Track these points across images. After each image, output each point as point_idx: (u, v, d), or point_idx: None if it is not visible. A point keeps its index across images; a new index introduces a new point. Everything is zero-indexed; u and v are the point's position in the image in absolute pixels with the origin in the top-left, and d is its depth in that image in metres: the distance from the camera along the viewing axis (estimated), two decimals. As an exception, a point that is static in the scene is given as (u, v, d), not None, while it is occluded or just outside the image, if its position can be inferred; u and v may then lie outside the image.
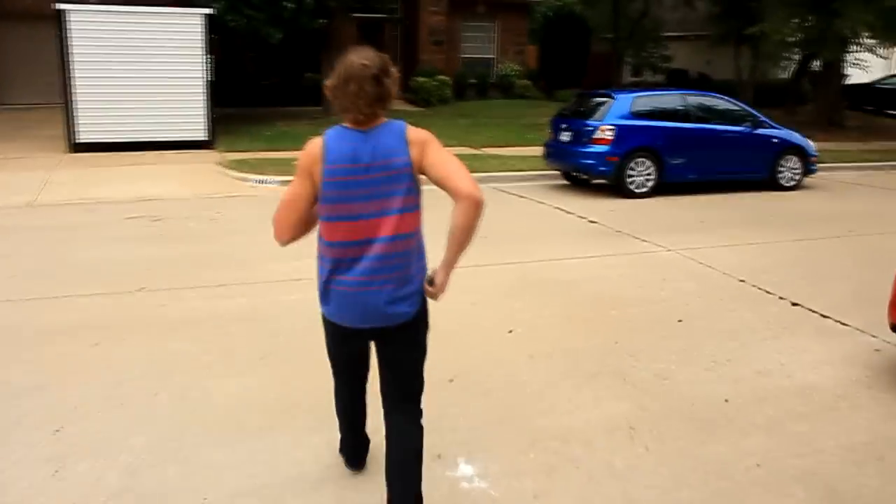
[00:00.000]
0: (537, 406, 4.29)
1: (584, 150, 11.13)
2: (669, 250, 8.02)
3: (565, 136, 11.75)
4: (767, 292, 6.61)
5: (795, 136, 12.41)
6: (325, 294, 2.87)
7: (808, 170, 12.45)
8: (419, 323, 2.94)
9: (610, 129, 10.92)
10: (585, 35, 26.12)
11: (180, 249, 7.81)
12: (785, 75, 26.35)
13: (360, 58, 2.69)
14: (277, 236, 2.90)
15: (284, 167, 12.24)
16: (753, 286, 6.80)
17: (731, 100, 12.41)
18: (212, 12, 14.16)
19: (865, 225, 9.67)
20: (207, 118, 14.46)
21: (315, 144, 2.78)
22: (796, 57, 24.08)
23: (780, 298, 6.45)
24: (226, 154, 13.76)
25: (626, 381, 4.65)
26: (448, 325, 4.76)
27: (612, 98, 11.30)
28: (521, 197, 11.15)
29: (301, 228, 2.88)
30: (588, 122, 11.27)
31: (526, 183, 12.47)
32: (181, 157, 13.78)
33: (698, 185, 11.64)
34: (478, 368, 4.81)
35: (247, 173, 12.10)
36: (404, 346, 2.96)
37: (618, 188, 11.14)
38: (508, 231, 8.55)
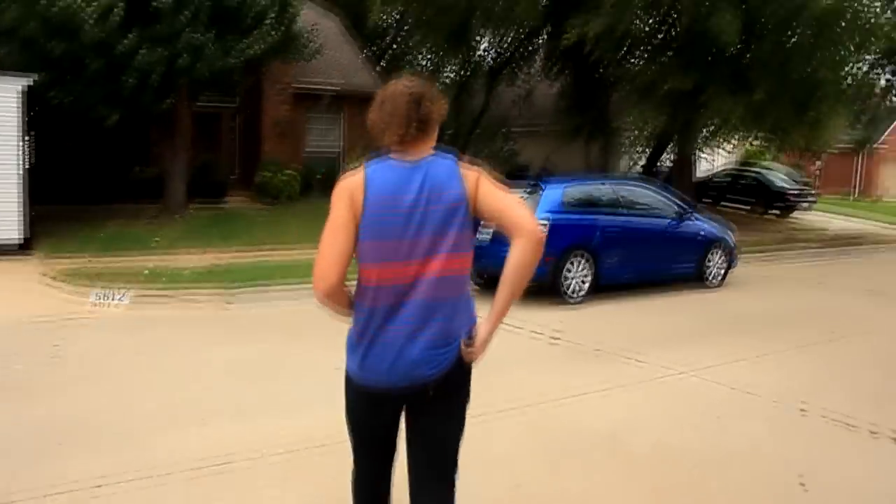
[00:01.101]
0: None
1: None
2: (682, 373, 6.42)
3: (484, 235, 10.02)
4: (850, 425, 5.15)
5: (719, 229, 11.55)
6: (357, 348, 2.52)
7: (731, 264, 11.58)
8: (461, 388, 2.59)
9: (544, 225, 9.38)
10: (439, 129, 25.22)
11: (8, 415, 5.11)
12: (635, 168, 26.81)
13: (401, 81, 2.59)
14: (321, 278, 2.48)
15: (131, 278, 9.60)
16: (825, 416, 5.36)
17: (655, 188, 11.39)
18: (30, 84, 11.36)
19: (839, 326, 8.69)
20: (24, 215, 11.41)
21: (354, 176, 2.50)
22: (648, 150, 24.47)
23: (873, 433, 5.00)
24: (50, 262, 10.74)
25: None
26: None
27: (541, 188, 9.81)
28: None
29: (346, 267, 2.48)
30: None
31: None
32: (-13, 266, 10.64)
33: (626, 285, 10.32)
34: None
35: (83, 287, 9.29)
36: (441, 415, 2.57)
37: (551, 292, 9.52)
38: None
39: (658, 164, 25.19)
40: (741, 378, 6.28)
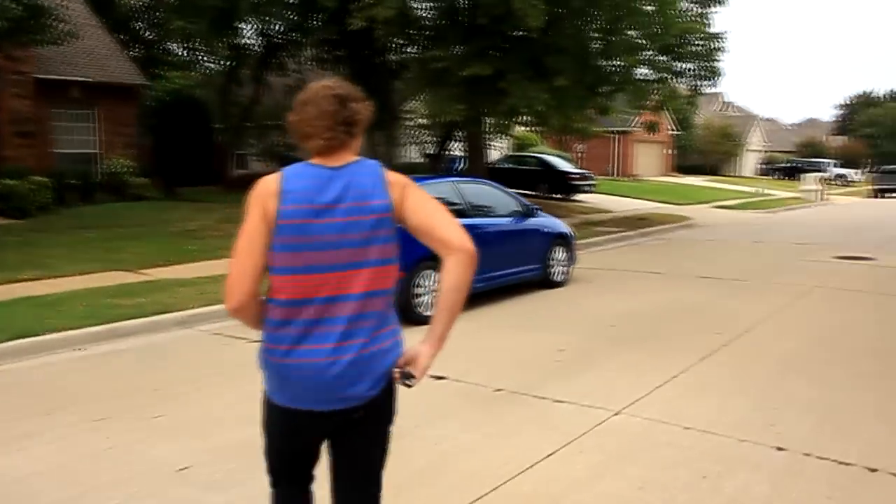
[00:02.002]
0: None
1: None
2: (615, 412, 5.25)
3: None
4: (842, 462, 4.24)
5: (558, 223, 10.71)
6: (274, 369, 2.38)
7: (572, 259, 10.78)
8: (387, 410, 2.49)
9: (390, 234, 7.83)
10: (207, 122, 22.52)
11: None
12: (421, 159, 25.91)
13: (322, 82, 2.43)
14: (232, 293, 2.34)
15: None
16: (808, 454, 4.46)
17: (496, 185, 10.23)
18: None
19: (718, 325, 8.08)
20: None
21: (269, 180, 2.38)
22: (436, 139, 23.63)
23: (870, 469, 4.15)
24: None
25: None
26: None
27: None
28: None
29: (259, 280, 2.36)
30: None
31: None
32: None
33: (474, 295, 9.09)
34: None
35: None
36: (366, 437, 2.49)
37: (404, 313, 8.02)
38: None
39: (446, 151, 24.52)
40: (679, 411, 5.25)
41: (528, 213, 9.98)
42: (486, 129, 19.79)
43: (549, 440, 4.72)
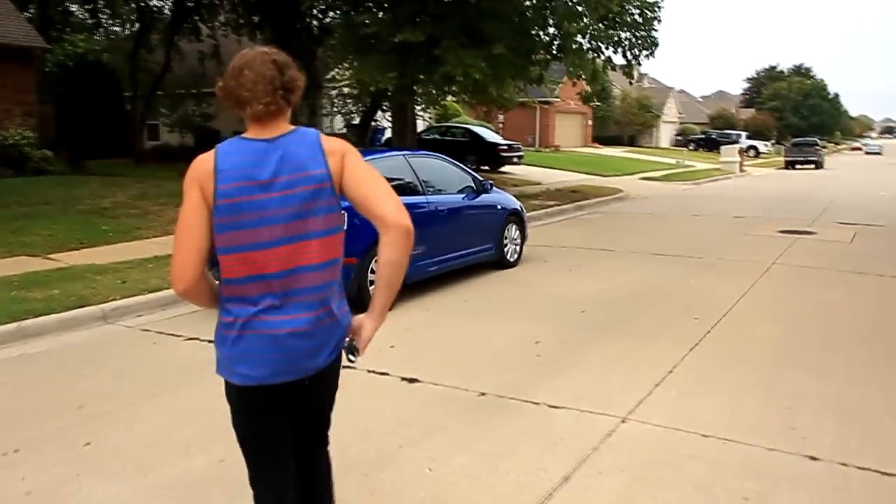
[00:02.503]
0: None
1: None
2: (622, 419, 4.66)
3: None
4: (888, 474, 3.76)
5: (511, 199, 10.07)
6: (230, 346, 2.31)
7: (524, 237, 10.19)
8: (336, 373, 2.54)
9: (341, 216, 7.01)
10: (117, 90, 20.85)
11: None
12: (345, 130, 24.83)
13: (257, 48, 2.37)
14: (179, 277, 2.31)
15: None
16: (846, 464, 3.97)
17: (448, 159, 9.45)
18: None
19: (693, 309, 7.64)
20: None
21: (204, 159, 2.32)
22: (362, 109, 22.60)
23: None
24: None
25: None
26: None
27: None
28: (203, 341, 6.47)
29: (204, 261, 2.31)
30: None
31: (176, 312, 7.65)
32: None
33: (427, 280, 8.39)
34: None
35: None
36: (323, 391, 2.54)
37: (359, 299, 7.26)
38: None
39: (374, 122, 23.56)
40: (689, 414, 4.72)
41: (481, 189, 9.29)
42: (419, 99, 18.95)
43: (558, 459, 4.09)
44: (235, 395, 2.39)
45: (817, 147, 44.41)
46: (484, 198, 9.30)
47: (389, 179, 7.25)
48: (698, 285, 8.86)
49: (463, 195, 8.99)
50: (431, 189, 8.42)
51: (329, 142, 2.37)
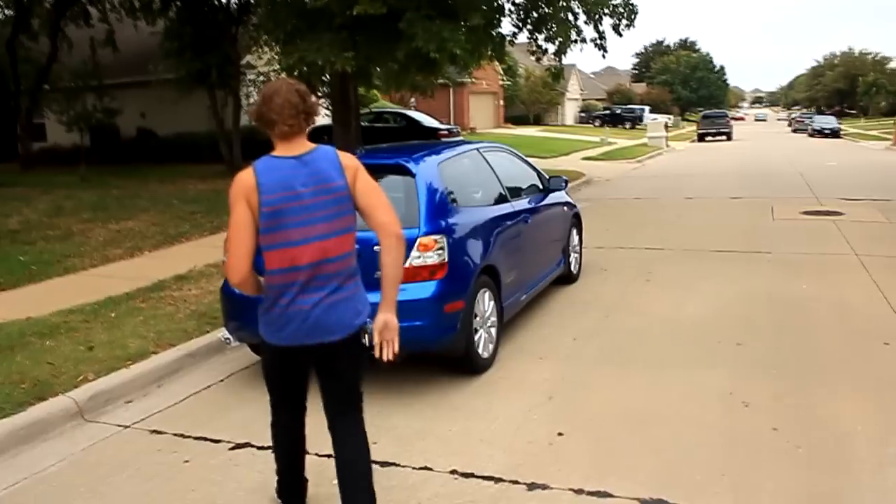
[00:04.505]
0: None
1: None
2: None
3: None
4: None
5: (565, 195, 8.03)
6: (272, 318, 2.98)
7: (581, 243, 8.26)
8: (357, 342, 3.05)
9: (438, 243, 4.81)
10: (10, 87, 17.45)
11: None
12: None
13: (282, 80, 3.07)
14: (234, 272, 2.95)
15: None
16: None
17: (506, 148, 7.25)
18: None
19: (879, 331, 5.91)
20: None
21: (245, 176, 2.92)
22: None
23: None
24: None
25: None
26: None
27: (408, 170, 5.12)
28: (255, 447, 4.13)
29: (252, 259, 2.93)
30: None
31: (182, 389, 5.34)
32: None
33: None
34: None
35: None
36: (343, 360, 3.08)
37: (460, 362, 5.15)
38: None
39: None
40: None
41: (548, 188, 7.27)
42: (377, 81, 16.64)
43: None
44: (268, 350, 3.09)
45: (728, 119, 44.73)
46: (551, 197, 7.28)
47: (471, 183, 5.06)
48: (816, 292, 7.21)
49: (537, 197, 6.95)
50: (511, 193, 6.33)
51: (345, 158, 3.00)
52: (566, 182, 7.33)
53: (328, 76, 16.97)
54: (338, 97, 17.50)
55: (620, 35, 15.09)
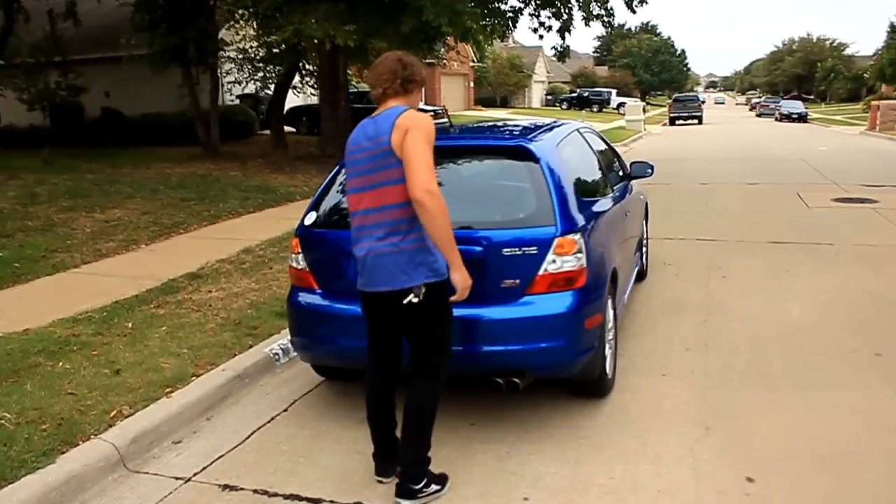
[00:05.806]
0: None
1: (510, 315, 3.78)
2: None
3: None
4: None
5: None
6: (357, 265, 3.24)
7: (646, 236, 7.43)
8: (432, 301, 3.13)
9: (577, 244, 3.88)
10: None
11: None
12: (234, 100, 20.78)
13: (395, 52, 3.31)
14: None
15: None
16: None
17: (594, 130, 6.34)
18: None
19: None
20: None
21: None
22: (274, 75, 18.67)
23: None
24: None
25: None
26: None
27: (531, 154, 4.15)
28: None
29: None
30: (507, 234, 3.85)
31: (235, 423, 4.43)
32: None
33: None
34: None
35: None
36: (407, 313, 3.12)
37: (593, 385, 4.27)
38: None
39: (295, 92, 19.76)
40: None
41: (629, 174, 6.41)
42: (371, 58, 15.52)
43: None
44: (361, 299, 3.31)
45: (700, 103, 44.54)
46: (633, 185, 6.42)
47: (583, 172, 4.13)
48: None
49: (620, 185, 6.05)
50: (610, 181, 5.44)
51: (404, 118, 3.04)
52: (652, 169, 6.44)
53: (314, 53, 15.84)
54: (326, 75, 16.38)
55: (634, 12, 14.27)
